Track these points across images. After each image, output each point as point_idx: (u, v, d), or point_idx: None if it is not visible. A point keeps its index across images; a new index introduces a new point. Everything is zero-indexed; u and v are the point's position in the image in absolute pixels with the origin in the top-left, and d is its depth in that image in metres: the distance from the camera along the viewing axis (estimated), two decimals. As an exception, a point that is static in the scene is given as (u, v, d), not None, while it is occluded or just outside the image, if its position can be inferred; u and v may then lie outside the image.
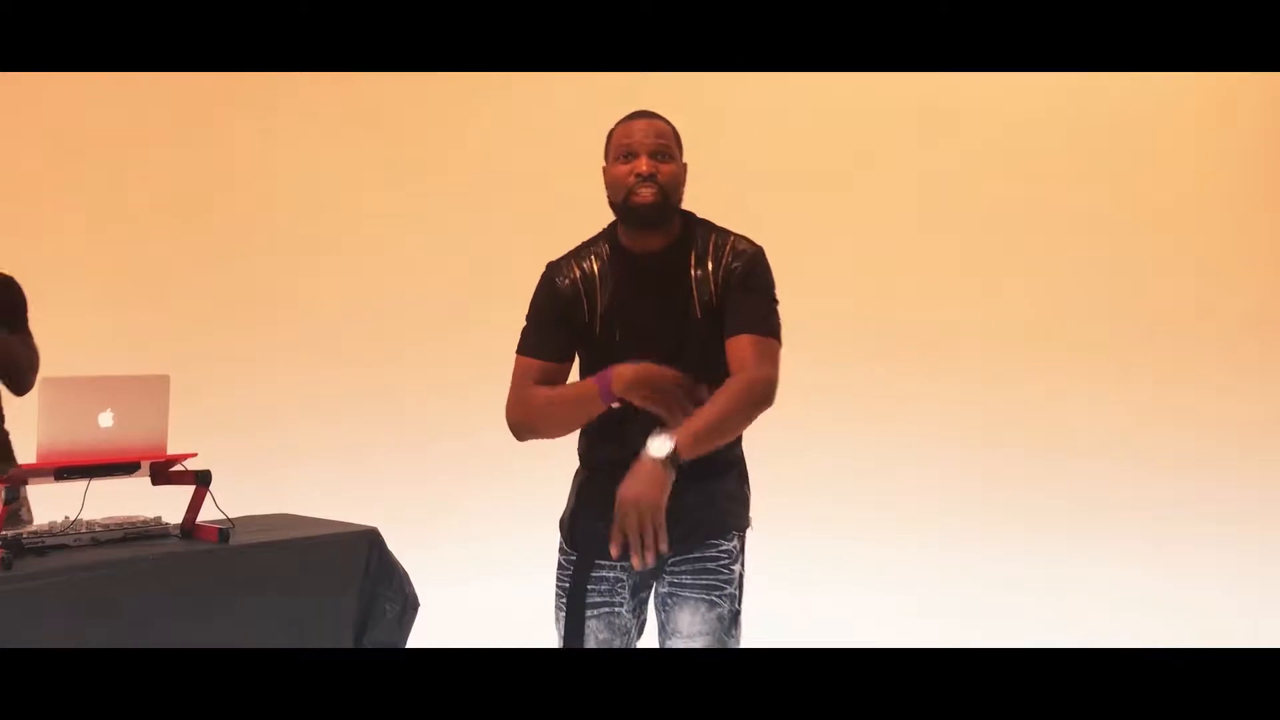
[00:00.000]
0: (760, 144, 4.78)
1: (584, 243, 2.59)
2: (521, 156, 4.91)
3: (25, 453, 3.05)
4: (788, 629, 4.29)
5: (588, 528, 2.51)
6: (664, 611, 2.56)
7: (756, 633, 4.06)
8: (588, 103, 4.72)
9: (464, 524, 4.62)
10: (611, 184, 2.47)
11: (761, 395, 2.36)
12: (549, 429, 2.50)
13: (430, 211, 5.00)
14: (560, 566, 2.63)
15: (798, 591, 4.50)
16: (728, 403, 2.32)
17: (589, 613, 2.52)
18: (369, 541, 3.05)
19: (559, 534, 2.66)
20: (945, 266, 4.74)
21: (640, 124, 2.48)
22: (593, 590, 2.53)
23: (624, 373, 2.37)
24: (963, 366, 4.70)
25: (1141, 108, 4.62)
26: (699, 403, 2.33)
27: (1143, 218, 4.64)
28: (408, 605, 3.08)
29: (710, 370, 2.41)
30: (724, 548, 2.52)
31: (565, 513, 2.64)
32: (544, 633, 2.86)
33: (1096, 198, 4.66)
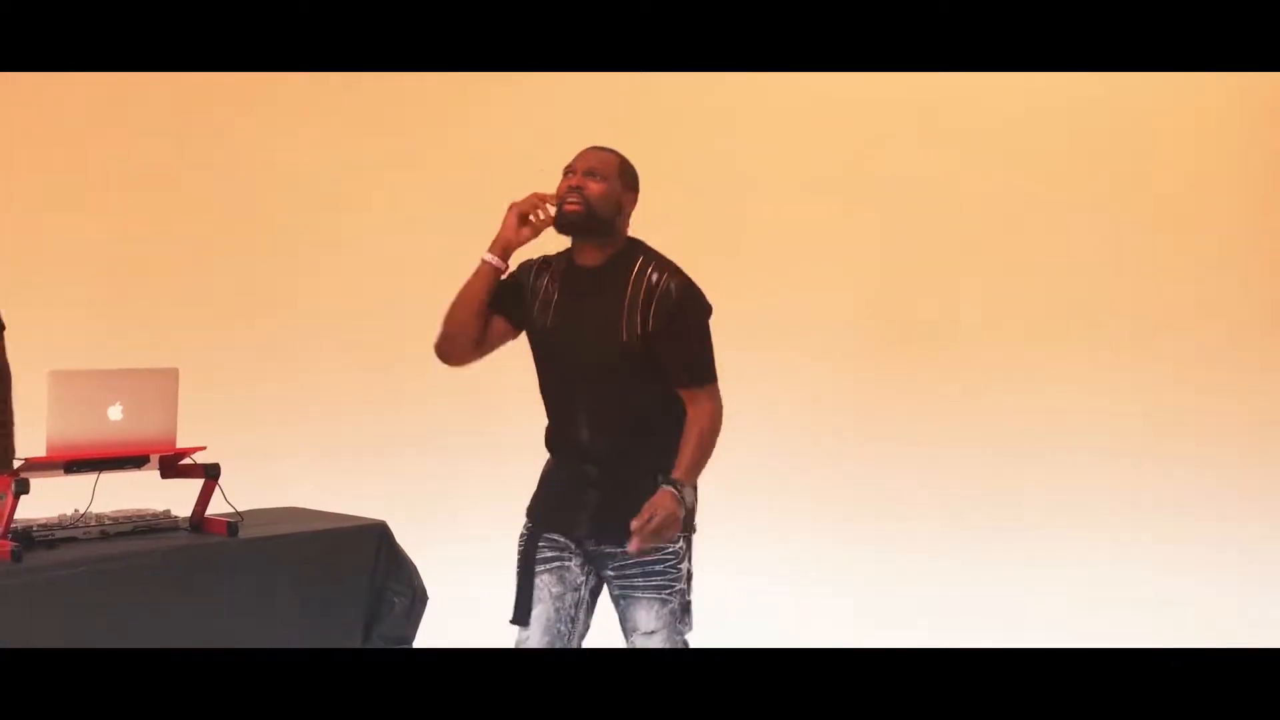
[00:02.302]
0: (763, 142, 4.77)
1: (556, 254, 2.85)
2: (526, 155, 4.90)
3: (29, 446, 3.05)
4: (788, 628, 4.30)
5: (545, 505, 2.81)
6: (620, 609, 2.77)
7: (757, 631, 4.08)
8: (589, 102, 4.73)
9: (473, 519, 4.61)
10: (554, 197, 2.76)
11: (713, 431, 2.70)
12: (455, 327, 2.81)
13: (439, 208, 4.99)
14: (520, 537, 2.84)
15: (797, 590, 4.50)
16: (694, 434, 2.67)
17: (539, 568, 2.74)
18: (378, 535, 3.05)
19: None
20: (949, 265, 4.73)
21: (587, 152, 2.78)
22: (544, 548, 2.76)
23: (497, 240, 2.81)
24: (967, 365, 4.69)
25: (1148, 107, 4.60)
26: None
27: (1149, 216, 4.63)
28: (416, 598, 3.09)
29: (628, 393, 2.70)
30: (670, 549, 2.69)
31: (534, 495, 2.88)
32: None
33: (1102, 196, 4.64)
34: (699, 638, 3.03)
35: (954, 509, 4.63)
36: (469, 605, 4.03)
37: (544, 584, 2.74)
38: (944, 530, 4.62)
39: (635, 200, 2.79)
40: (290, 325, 5.03)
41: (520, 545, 2.82)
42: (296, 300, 5.07)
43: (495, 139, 4.95)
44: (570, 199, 2.70)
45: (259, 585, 2.82)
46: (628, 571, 2.72)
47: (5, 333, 3.31)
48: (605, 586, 2.80)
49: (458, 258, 4.92)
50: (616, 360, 2.68)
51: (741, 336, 4.63)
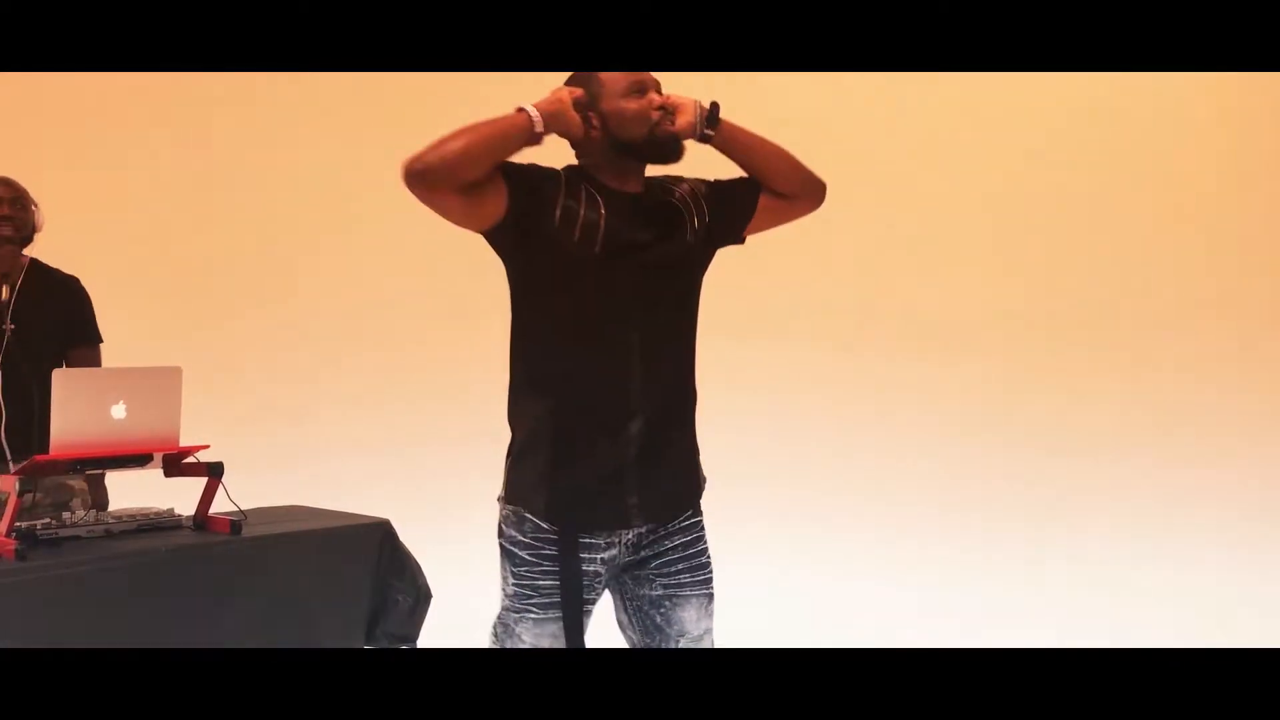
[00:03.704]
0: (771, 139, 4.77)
1: (560, 173, 2.38)
2: (526, 155, 4.90)
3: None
4: (788, 627, 4.29)
5: (578, 499, 2.23)
6: (660, 614, 2.33)
7: (757, 630, 4.06)
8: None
9: (477, 518, 4.61)
10: (632, 119, 2.34)
11: (810, 177, 2.56)
12: (457, 157, 2.23)
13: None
14: (524, 562, 2.28)
15: (798, 589, 4.49)
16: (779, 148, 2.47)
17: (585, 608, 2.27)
18: (381, 533, 3.05)
19: (512, 514, 2.33)
20: (953, 262, 4.72)
21: (649, 75, 2.44)
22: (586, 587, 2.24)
23: (546, 105, 2.33)
24: (974, 361, 4.68)
25: (1158, 104, 4.59)
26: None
27: (1156, 214, 4.62)
28: (420, 597, 3.08)
29: (686, 310, 2.37)
30: (704, 534, 2.36)
31: (527, 474, 2.29)
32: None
33: (1111, 194, 4.63)
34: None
35: (961, 504, 4.62)
36: (472, 605, 4.04)
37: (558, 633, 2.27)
38: (946, 529, 4.61)
39: None
40: (294, 324, 5.04)
41: (530, 576, 2.28)
42: (300, 299, 5.07)
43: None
44: (665, 122, 2.36)
45: (262, 583, 2.82)
46: (673, 568, 2.31)
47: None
48: (627, 598, 2.36)
49: (461, 257, 4.95)
50: (680, 284, 2.33)
51: (746, 331, 4.66)
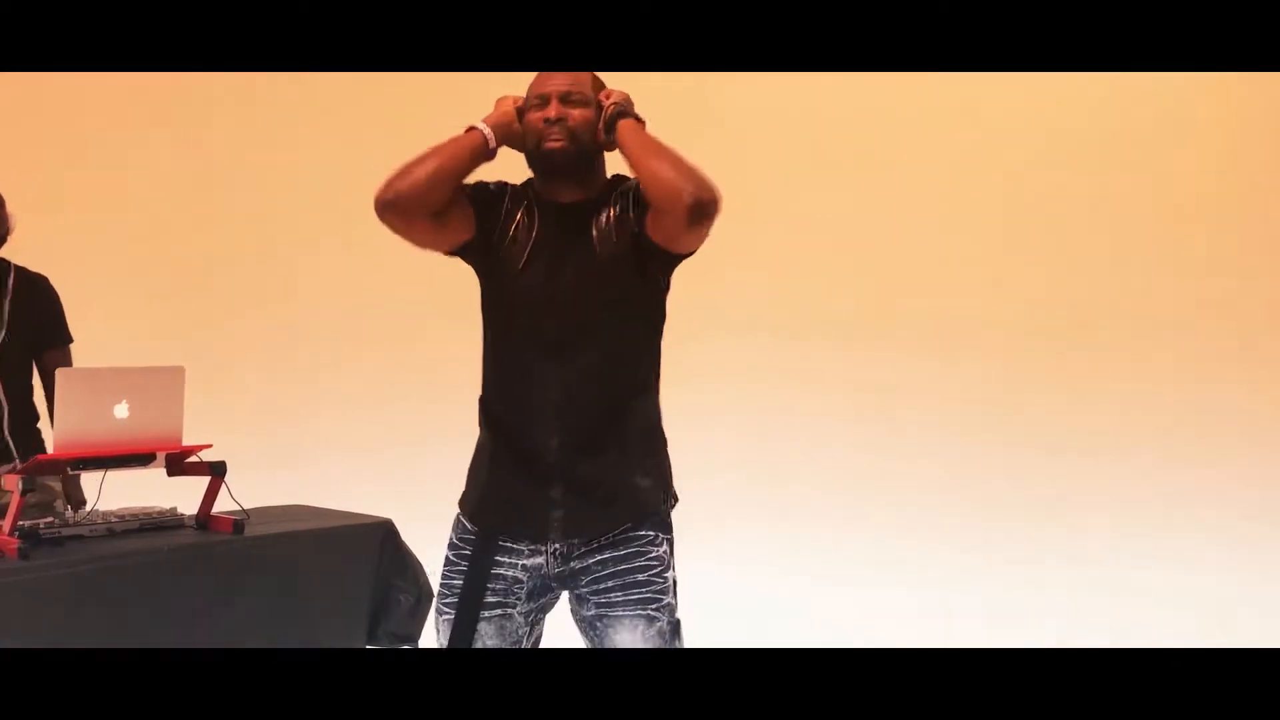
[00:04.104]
0: (769, 141, 4.77)
1: (517, 186, 2.41)
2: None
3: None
4: (790, 627, 4.29)
5: (497, 503, 2.32)
6: (597, 636, 2.30)
7: (757, 631, 4.07)
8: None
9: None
10: (529, 130, 2.31)
11: (678, 186, 2.22)
12: (420, 184, 2.31)
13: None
14: (448, 562, 2.36)
15: (796, 589, 4.50)
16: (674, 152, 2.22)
17: (483, 613, 2.28)
18: (383, 532, 3.06)
19: (457, 518, 2.41)
20: (958, 262, 4.73)
21: (544, 75, 2.35)
22: (490, 590, 2.29)
23: (496, 121, 2.34)
24: (976, 362, 4.69)
25: (1160, 105, 4.59)
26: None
27: (1159, 214, 4.62)
28: (422, 596, 3.09)
29: (620, 341, 2.28)
30: (653, 554, 2.27)
31: (470, 482, 2.40)
32: (555, 627, 2.86)
33: (1112, 194, 4.64)
34: (706, 638, 3.03)
35: (962, 505, 4.62)
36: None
37: (479, 633, 2.29)
38: (946, 529, 4.61)
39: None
40: (296, 323, 5.04)
41: (452, 577, 2.33)
42: (301, 299, 5.08)
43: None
44: (552, 135, 2.27)
45: (265, 582, 2.82)
46: (603, 585, 2.27)
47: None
48: (575, 617, 2.36)
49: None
50: (613, 298, 2.25)
51: (745, 329, 4.67)
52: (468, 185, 2.33)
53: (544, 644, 2.86)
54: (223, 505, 2.88)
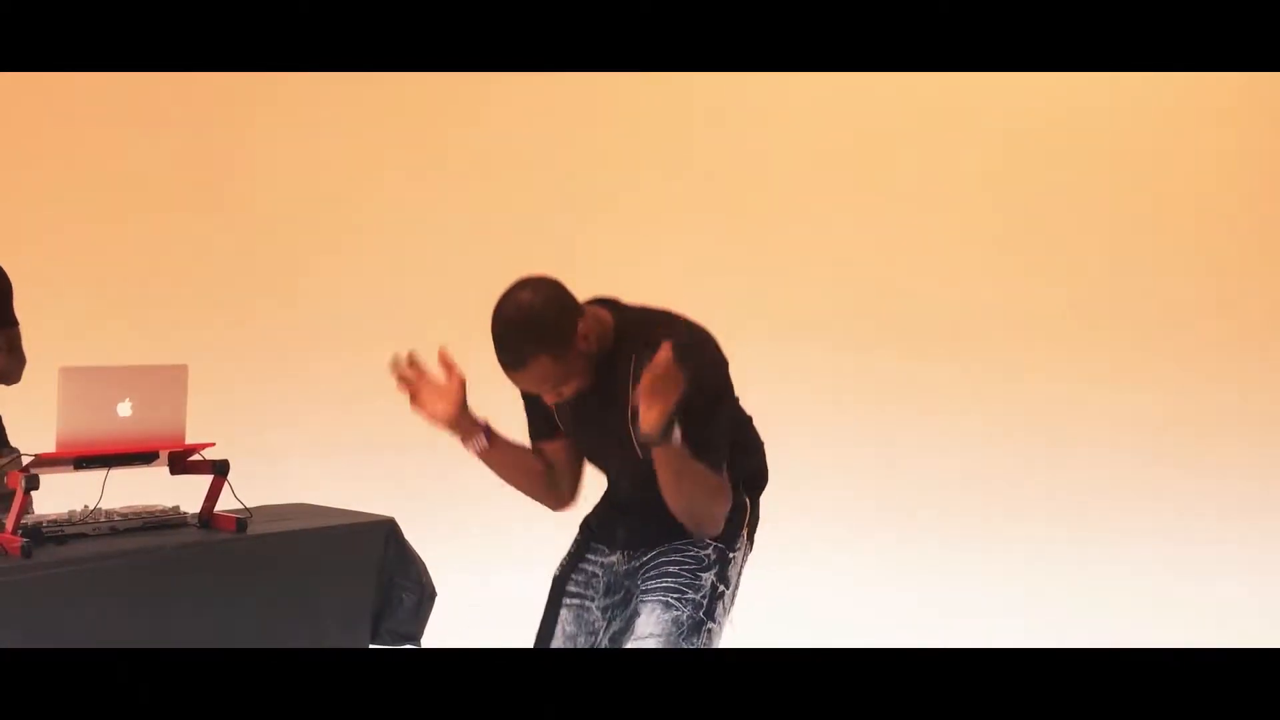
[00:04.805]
0: (770, 141, 4.77)
1: None
2: (528, 155, 4.92)
3: (36, 442, 3.06)
4: (793, 627, 4.29)
5: (596, 517, 2.70)
6: (636, 616, 2.54)
7: (761, 629, 4.07)
8: (592, 102, 4.74)
9: (481, 517, 4.62)
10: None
11: (719, 487, 2.43)
12: (530, 493, 2.70)
13: (451, 206, 5.00)
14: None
15: (804, 588, 4.50)
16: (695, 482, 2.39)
17: (565, 600, 2.61)
18: (386, 531, 3.06)
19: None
20: (960, 261, 4.72)
21: (499, 349, 2.46)
22: (574, 580, 2.63)
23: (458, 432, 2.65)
24: (982, 362, 4.68)
25: (1163, 104, 4.58)
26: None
27: (1162, 213, 4.62)
28: (425, 595, 3.09)
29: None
30: (692, 553, 2.49)
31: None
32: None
33: (1116, 193, 4.63)
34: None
35: (968, 505, 4.62)
36: (476, 604, 4.05)
37: (561, 620, 2.60)
38: (946, 530, 4.62)
39: (580, 314, 2.41)
40: (299, 322, 5.04)
41: (556, 570, 2.67)
42: (305, 297, 5.08)
43: (499, 139, 4.96)
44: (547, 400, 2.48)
45: (267, 581, 2.83)
46: (648, 574, 2.52)
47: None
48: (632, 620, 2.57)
49: (463, 255, 4.98)
50: (633, 453, 2.43)
51: (751, 332, 4.66)
52: (531, 417, 2.69)
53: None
54: (225, 504, 2.89)
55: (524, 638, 3.18)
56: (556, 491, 2.65)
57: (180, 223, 5.11)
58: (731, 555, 2.54)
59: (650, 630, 2.43)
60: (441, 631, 3.19)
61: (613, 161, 4.80)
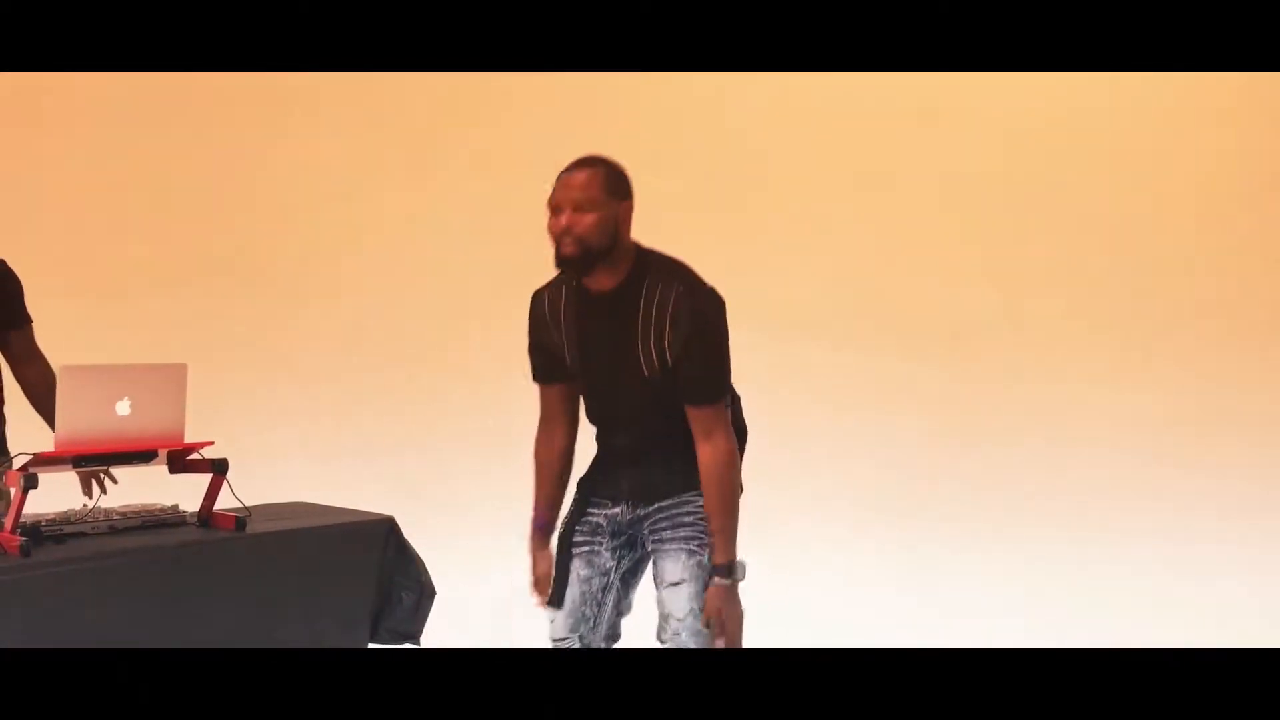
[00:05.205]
0: (771, 141, 4.77)
1: (557, 275, 2.79)
2: (528, 155, 4.90)
3: (35, 441, 3.05)
4: (793, 627, 4.29)
5: (591, 479, 2.88)
6: (654, 565, 2.80)
7: (761, 629, 4.06)
8: (593, 102, 4.74)
9: (481, 516, 4.62)
10: (550, 234, 2.68)
11: (724, 467, 2.68)
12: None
13: (451, 206, 5.00)
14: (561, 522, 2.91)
15: (804, 589, 4.49)
16: (717, 500, 2.68)
17: (574, 550, 2.82)
18: (385, 530, 3.06)
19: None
20: (961, 261, 4.72)
21: (564, 179, 2.68)
22: (578, 531, 2.84)
23: (532, 558, 2.90)
24: (982, 362, 4.68)
25: (1165, 104, 4.58)
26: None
27: (1162, 213, 4.62)
28: (424, 594, 3.09)
29: (666, 418, 2.71)
30: (690, 508, 2.74)
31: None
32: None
33: (1118, 193, 4.63)
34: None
35: (970, 506, 4.62)
36: (474, 601, 4.04)
37: (573, 568, 2.81)
38: (945, 530, 4.61)
39: (631, 205, 2.68)
40: (298, 322, 5.04)
41: (559, 528, 2.87)
42: (305, 297, 5.08)
43: (498, 139, 4.96)
44: (564, 243, 2.62)
45: (267, 580, 2.82)
46: (658, 525, 2.76)
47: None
48: (644, 563, 2.85)
49: (462, 255, 4.98)
50: (644, 389, 2.70)
51: (750, 331, 4.66)
52: (539, 362, 2.87)
53: (542, 644, 2.87)
54: (224, 503, 2.88)
55: (524, 638, 3.18)
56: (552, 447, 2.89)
57: (180, 222, 5.11)
58: None
59: (680, 575, 2.71)
60: (441, 631, 3.19)
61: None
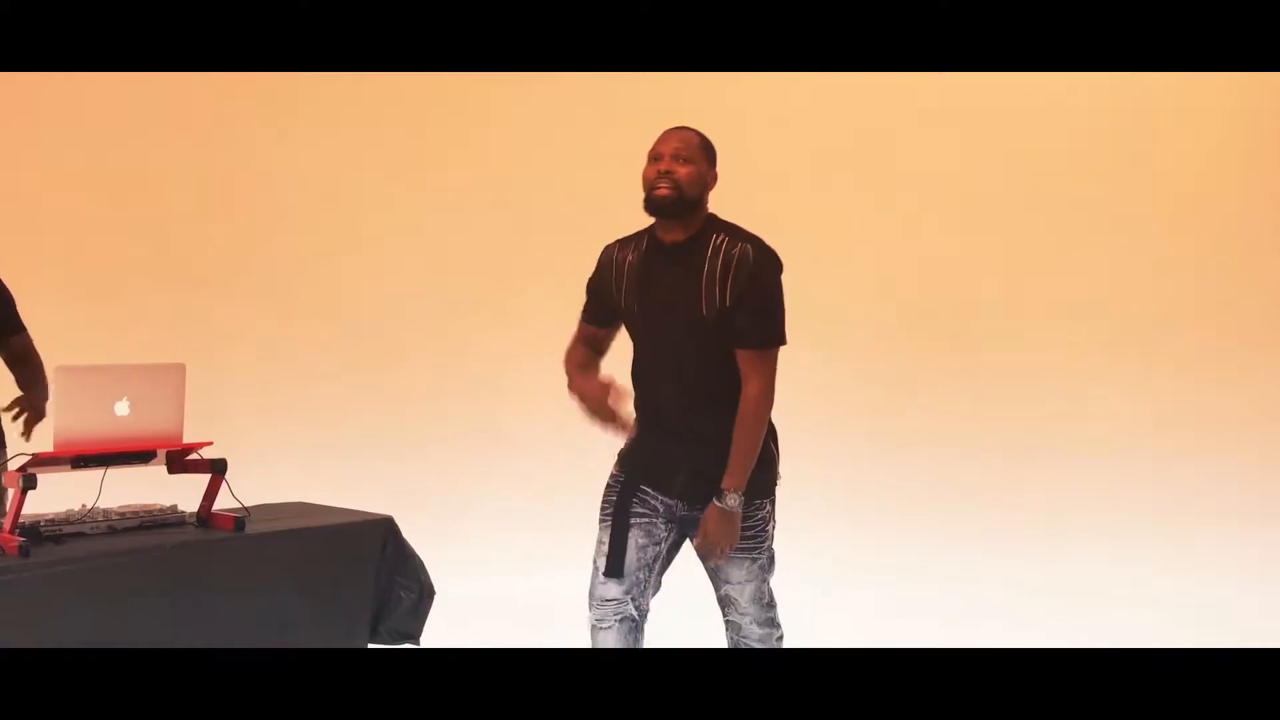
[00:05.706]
0: (773, 141, 4.77)
1: (636, 232, 2.94)
2: (529, 155, 4.91)
3: (35, 441, 3.05)
4: (792, 627, 4.29)
5: (641, 459, 2.93)
6: (711, 567, 2.92)
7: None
8: (594, 101, 4.74)
9: (481, 515, 4.62)
10: (644, 183, 2.83)
11: (758, 408, 2.79)
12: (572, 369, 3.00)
13: (451, 206, 5.01)
14: (608, 487, 2.97)
15: (804, 589, 4.49)
16: (743, 434, 2.78)
17: (632, 521, 2.89)
18: (384, 530, 3.05)
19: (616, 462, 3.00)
20: (961, 261, 4.72)
21: (669, 133, 2.86)
22: (637, 503, 2.91)
23: (574, 388, 2.91)
24: (982, 362, 4.69)
25: (1163, 104, 4.59)
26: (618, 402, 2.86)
27: (1162, 213, 4.62)
28: (424, 593, 3.08)
29: (707, 372, 2.82)
30: (759, 515, 2.88)
31: (624, 446, 3.00)
32: (556, 625, 2.86)
33: (1118, 193, 4.63)
34: (707, 638, 3.03)
35: (957, 508, 4.62)
36: (475, 604, 4.04)
37: (631, 536, 2.88)
38: (945, 530, 4.61)
39: (716, 176, 2.87)
40: (298, 321, 5.04)
41: (612, 496, 2.93)
42: (304, 297, 5.08)
43: (497, 139, 4.96)
44: (660, 185, 2.78)
45: (266, 580, 2.82)
46: None
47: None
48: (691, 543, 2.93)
49: (463, 259, 4.98)
50: (697, 332, 2.79)
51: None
52: (591, 302, 2.99)
53: (541, 644, 2.87)
54: (223, 503, 2.88)
55: (524, 638, 3.18)
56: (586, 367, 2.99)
57: (180, 222, 5.11)
58: (773, 504, 2.95)
59: (743, 578, 2.88)
60: (441, 631, 3.19)
61: (612, 161, 4.80)
